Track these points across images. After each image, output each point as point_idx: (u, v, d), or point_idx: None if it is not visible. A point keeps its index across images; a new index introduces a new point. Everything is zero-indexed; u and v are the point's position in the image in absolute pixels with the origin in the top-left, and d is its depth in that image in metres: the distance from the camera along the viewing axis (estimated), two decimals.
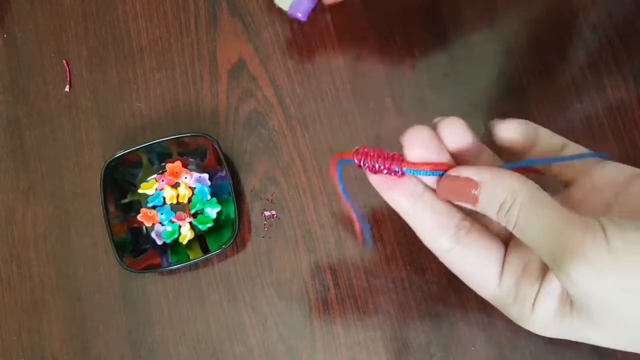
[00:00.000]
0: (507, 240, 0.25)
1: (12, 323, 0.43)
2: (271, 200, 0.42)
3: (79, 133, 0.45)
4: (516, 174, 0.22)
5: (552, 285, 0.23)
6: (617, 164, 0.24)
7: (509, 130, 0.25)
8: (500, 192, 0.22)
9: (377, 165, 0.24)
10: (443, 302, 0.39)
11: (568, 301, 0.22)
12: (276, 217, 0.42)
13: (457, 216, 0.25)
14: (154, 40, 0.45)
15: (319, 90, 0.43)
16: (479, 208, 0.23)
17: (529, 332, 0.39)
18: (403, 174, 0.24)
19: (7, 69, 0.47)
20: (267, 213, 0.42)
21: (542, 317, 0.23)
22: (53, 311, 0.43)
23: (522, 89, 0.41)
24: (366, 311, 0.40)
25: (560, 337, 0.23)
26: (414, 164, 0.24)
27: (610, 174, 0.24)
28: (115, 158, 0.41)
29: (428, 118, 0.25)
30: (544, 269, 0.23)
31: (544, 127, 0.41)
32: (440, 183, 0.24)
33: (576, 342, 0.37)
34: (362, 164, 0.24)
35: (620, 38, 0.40)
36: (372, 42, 0.43)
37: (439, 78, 0.42)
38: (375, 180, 0.25)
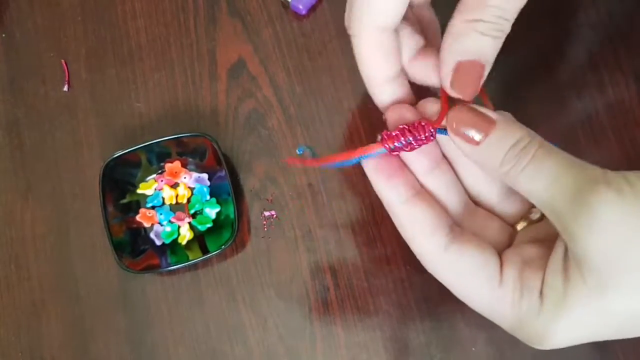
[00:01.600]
0: (497, 248, 0.25)
1: (11, 323, 0.43)
2: (271, 200, 0.42)
3: (78, 133, 0.45)
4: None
5: (557, 264, 0.21)
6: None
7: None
8: (518, 129, 0.22)
9: (409, 139, 0.23)
10: (443, 302, 0.39)
11: (576, 273, 0.20)
12: (276, 217, 0.42)
13: (449, 219, 0.24)
14: (153, 39, 0.45)
15: (319, 90, 0.43)
16: (481, 148, 0.22)
17: None
18: (434, 136, 0.23)
19: (5, 69, 0.46)
20: (266, 213, 0.42)
21: (553, 302, 0.21)
22: (52, 311, 0.43)
23: (522, 88, 0.41)
24: (366, 312, 0.40)
25: (572, 335, 0.21)
26: (441, 120, 0.23)
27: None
28: (114, 158, 0.41)
29: None
30: (545, 258, 0.22)
31: (544, 126, 0.41)
32: (453, 111, 0.23)
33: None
34: (393, 147, 0.23)
35: (621, 37, 0.40)
36: None
37: None
38: (373, 172, 0.24)
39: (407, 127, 0.23)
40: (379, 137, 0.23)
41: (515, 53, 0.41)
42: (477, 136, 0.22)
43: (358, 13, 0.23)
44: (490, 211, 0.26)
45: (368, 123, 0.42)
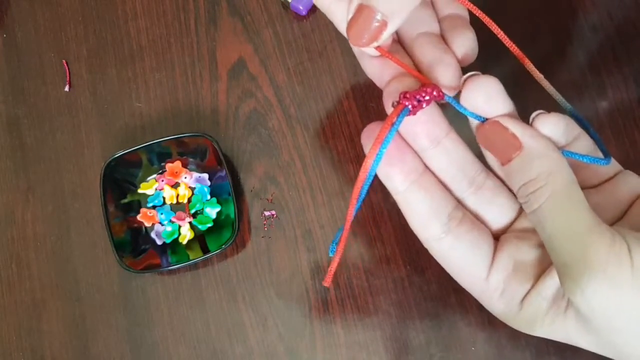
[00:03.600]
0: (497, 233, 0.25)
1: (12, 323, 0.43)
2: (271, 200, 0.42)
3: (79, 133, 0.45)
4: (560, 154, 0.21)
5: (547, 287, 0.22)
6: (634, 174, 0.24)
7: (552, 126, 0.23)
8: (535, 168, 0.20)
9: (424, 96, 0.22)
10: (443, 302, 0.39)
11: (563, 305, 0.21)
12: (276, 217, 0.42)
13: (451, 204, 0.23)
14: (154, 40, 0.45)
15: (319, 90, 0.43)
16: (506, 170, 0.22)
17: None
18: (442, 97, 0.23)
19: (6, 69, 0.46)
20: (266, 213, 0.42)
21: (531, 316, 0.22)
22: (53, 311, 0.43)
23: (522, 89, 0.41)
24: (366, 311, 0.40)
25: (544, 337, 0.22)
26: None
27: (631, 184, 0.23)
28: (115, 158, 0.41)
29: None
30: (538, 270, 0.22)
31: None
32: (484, 126, 0.22)
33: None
34: (417, 101, 0.22)
35: (621, 39, 0.40)
36: None
37: None
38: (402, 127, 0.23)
39: (409, 94, 0.23)
40: (394, 103, 0.23)
41: (514, 55, 0.41)
42: (506, 157, 0.21)
43: None
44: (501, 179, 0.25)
45: (368, 123, 0.42)
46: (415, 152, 0.24)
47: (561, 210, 0.20)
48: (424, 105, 0.22)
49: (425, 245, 0.24)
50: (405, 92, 0.22)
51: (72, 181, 0.44)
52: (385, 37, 0.23)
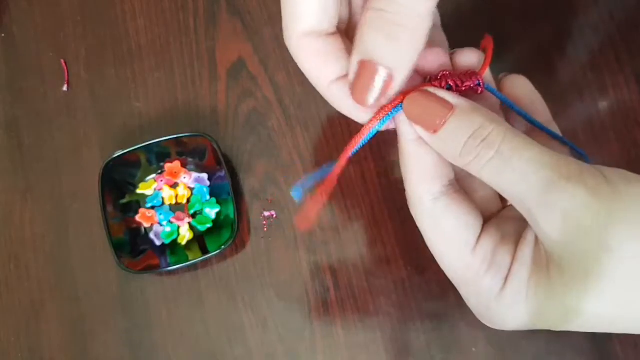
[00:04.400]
0: (490, 208, 0.24)
1: (10, 324, 0.43)
2: (270, 200, 0.42)
3: (78, 133, 0.45)
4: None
5: (524, 251, 0.21)
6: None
7: (519, 86, 0.23)
8: (477, 117, 0.20)
9: (457, 84, 0.22)
10: (444, 302, 0.39)
11: (543, 268, 0.20)
12: (276, 217, 0.42)
13: (452, 172, 0.23)
14: (153, 39, 0.45)
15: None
16: (440, 137, 0.21)
17: (530, 333, 0.39)
18: (483, 89, 0.22)
19: (5, 69, 0.46)
20: (266, 213, 0.42)
21: (514, 290, 0.21)
22: (51, 312, 0.43)
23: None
24: (366, 312, 0.40)
25: (529, 324, 0.21)
26: (484, 67, 0.22)
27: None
28: (114, 158, 0.41)
29: None
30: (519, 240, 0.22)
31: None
32: (411, 95, 0.21)
33: (578, 343, 0.37)
34: (453, 84, 0.22)
35: (622, 38, 0.40)
36: None
37: None
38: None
39: (449, 73, 0.22)
40: (429, 78, 0.22)
41: (516, 53, 0.41)
42: (434, 123, 0.20)
43: (285, 20, 0.22)
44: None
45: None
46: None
47: (524, 148, 0.19)
48: (461, 89, 0.22)
49: (416, 206, 0.23)
50: (446, 71, 0.22)
51: (71, 181, 0.44)
52: (394, 92, 0.20)
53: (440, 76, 0.22)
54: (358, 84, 0.20)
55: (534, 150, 0.19)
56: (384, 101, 0.21)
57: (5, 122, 0.46)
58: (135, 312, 0.42)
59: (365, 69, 0.20)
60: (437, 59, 0.23)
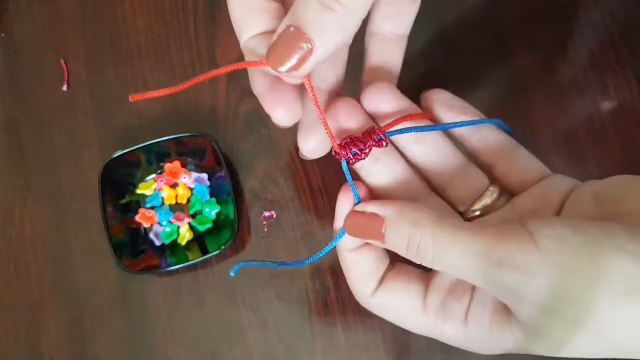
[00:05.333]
0: None
1: (10, 324, 0.43)
2: (270, 200, 0.42)
3: (77, 133, 0.45)
4: (420, 206, 0.22)
5: (485, 296, 0.22)
6: (562, 176, 0.24)
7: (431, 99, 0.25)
8: (404, 227, 0.21)
9: (361, 148, 0.23)
10: None
11: (505, 312, 0.21)
12: (276, 217, 0.42)
13: (386, 260, 0.25)
14: (153, 39, 0.45)
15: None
16: (387, 246, 0.22)
17: None
18: (387, 141, 0.23)
19: (4, 68, 0.46)
20: (266, 213, 0.42)
21: (479, 330, 0.22)
22: (51, 312, 0.43)
23: (523, 89, 0.41)
24: (367, 313, 0.39)
25: (505, 352, 0.22)
26: (391, 124, 0.23)
27: (561, 184, 0.24)
28: (114, 158, 0.41)
29: None
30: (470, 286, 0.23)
31: (545, 128, 0.40)
32: (347, 220, 0.23)
33: None
34: (350, 155, 0.23)
35: (622, 37, 0.40)
36: None
37: (439, 78, 0.41)
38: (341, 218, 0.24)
39: (353, 137, 0.23)
40: (332, 152, 0.24)
41: (516, 54, 0.41)
42: (378, 237, 0.22)
43: None
44: (442, 195, 0.26)
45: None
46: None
47: (449, 240, 0.20)
48: (365, 152, 0.23)
49: (362, 301, 0.25)
50: (348, 138, 0.23)
51: (71, 181, 0.44)
52: (309, 66, 0.21)
53: (344, 143, 0.23)
54: (277, 46, 0.21)
55: (461, 244, 0.20)
56: (295, 73, 0.21)
57: (5, 122, 0.46)
58: (135, 312, 0.42)
59: (289, 34, 0.20)
60: (349, 115, 0.25)
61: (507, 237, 0.19)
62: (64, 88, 0.45)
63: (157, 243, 0.43)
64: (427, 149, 0.25)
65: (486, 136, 0.25)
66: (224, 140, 0.43)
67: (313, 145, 0.24)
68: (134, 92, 0.44)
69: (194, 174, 0.43)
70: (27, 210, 0.44)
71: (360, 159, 0.23)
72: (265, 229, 0.42)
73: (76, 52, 0.46)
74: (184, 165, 0.43)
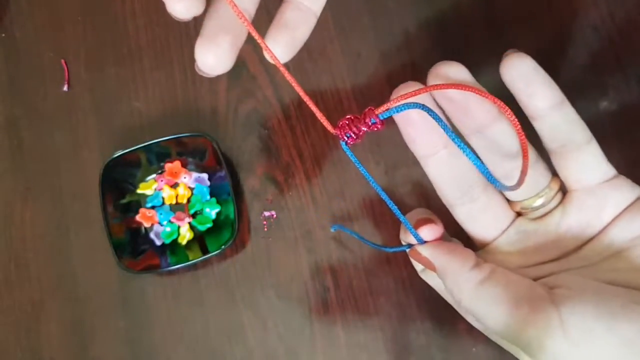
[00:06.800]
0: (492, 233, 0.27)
1: (10, 324, 0.43)
2: (271, 200, 0.42)
3: (78, 133, 0.45)
4: (468, 257, 0.24)
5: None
6: (625, 181, 0.24)
7: (514, 67, 0.24)
8: (449, 283, 0.24)
9: (355, 130, 0.23)
10: (444, 303, 0.39)
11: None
12: (276, 217, 0.42)
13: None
14: (153, 39, 0.45)
15: (319, 89, 0.43)
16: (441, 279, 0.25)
17: None
18: (382, 123, 0.23)
19: (5, 68, 0.46)
20: (266, 213, 0.42)
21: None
22: (51, 312, 0.43)
23: None
24: (367, 312, 0.40)
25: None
26: (384, 106, 0.23)
27: (616, 193, 0.24)
28: (114, 158, 0.41)
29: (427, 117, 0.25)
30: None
31: None
32: (410, 252, 0.26)
33: None
34: (346, 137, 0.23)
35: (622, 38, 0.40)
36: (373, 42, 0.43)
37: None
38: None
39: (353, 117, 0.24)
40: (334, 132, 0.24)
41: None
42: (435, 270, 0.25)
43: None
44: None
45: None
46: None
47: (484, 307, 0.22)
48: (360, 134, 0.23)
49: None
50: (346, 120, 0.23)
51: (71, 181, 0.44)
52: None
53: (340, 126, 0.23)
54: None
55: (495, 315, 0.21)
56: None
57: (5, 122, 0.46)
58: (135, 312, 0.42)
59: None
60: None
61: (537, 322, 0.20)
62: (64, 88, 0.45)
63: (158, 243, 0.43)
64: (488, 142, 0.25)
65: (558, 123, 0.24)
66: (224, 140, 0.43)
67: (212, 59, 0.21)
68: (134, 92, 0.44)
69: (195, 174, 0.43)
70: (28, 210, 0.44)
71: (355, 141, 0.23)
72: (265, 229, 0.42)
73: (76, 52, 0.46)
74: (184, 165, 0.43)
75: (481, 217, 0.26)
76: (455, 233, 0.28)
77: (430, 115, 0.22)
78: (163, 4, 0.49)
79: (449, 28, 0.42)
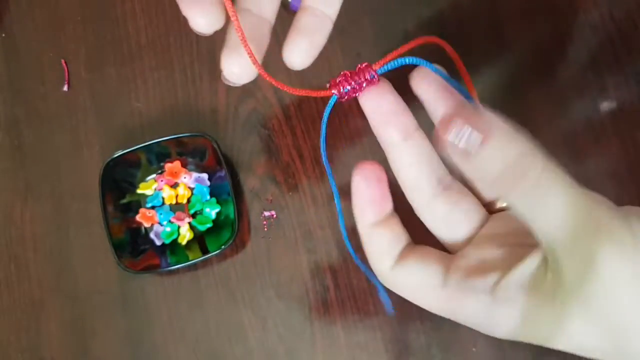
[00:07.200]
0: (458, 244, 0.25)
1: (11, 323, 0.43)
2: (270, 200, 0.42)
3: (78, 133, 0.45)
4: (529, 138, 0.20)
5: (521, 273, 0.21)
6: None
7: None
8: (513, 150, 0.19)
9: (353, 84, 0.23)
10: None
11: (547, 288, 0.20)
12: (276, 217, 0.42)
13: (406, 238, 0.25)
14: (153, 39, 0.45)
15: (319, 89, 0.43)
16: (477, 162, 0.19)
17: None
18: (379, 77, 0.23)
19: (5, 69, 0.46)
20: (266, 213, 0.42)
21: (507, 306, 0.21)
22: (52, 312, 0.43)
23: (523, 89, 0.41)
24: (366, 312, 0.40)
25: (526, 334, 0.22)
26: (381, 60, 0.23)
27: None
28: (114, 158, 0.41)
29: (427, 117, 0.25)
30: (500, 263, 0.22)
31: (545, 127, 0.41)
32: (447, 111, 0.22)
33: None
34: (342, 92, 0.24)
35: (622, 38, 0.40)
36: (373, 42, 0.43)
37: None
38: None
39: (350, 72, 0.24)
40: (327, 86, 0.24)
41: (516, 54, 0.41)
42: (470, 145, 0.19)
43: None
44: (466, 185, 0.26)
45: (368, 123, 0.42)
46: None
47: (559, 185, 0.19)
48: (357, 88, 0.23)
49: (382, 277, 0.24)
50: (345, 73, 0.23)
51: (71, 181, 0.44)
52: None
53: (339, 80, 0.23)
54: None
55: (570, 190, 0.19)
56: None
57: (6, 122, 0.46)
58: (136, 312, 0.42)
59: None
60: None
61: (609, 209, 0.19)
62: (65, 88, 0.45)
63: (158, 243, 0.43)
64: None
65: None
66: (224, 140, 0.43)
67: (237, 69, 0.23)
68: (134, 92, 0.44)
69: (194, 174, 0.43)
70: (28, 210, 0.44)
71: (352, 97, 0.24)
72: (265, 229, 0.42)
73: (76, 52, 0.46)
74: (184, 165, 0.43)
75: (462, 202, 0.25)
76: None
77: (428, 67, 0.23)
78: (163, 4, 0.50)
79: (449, 28, 0.42)
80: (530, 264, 0.21)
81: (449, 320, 0.40)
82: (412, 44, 0.23)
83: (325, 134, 0.24)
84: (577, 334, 0.20)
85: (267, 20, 0.24)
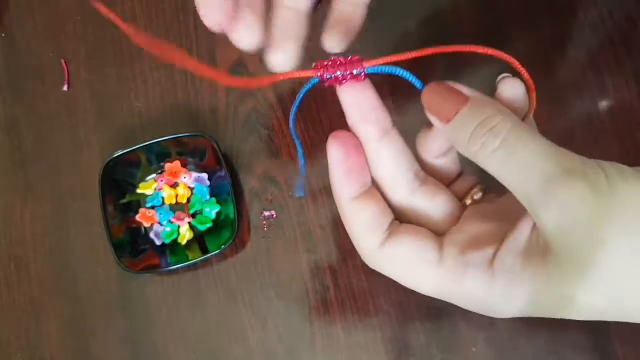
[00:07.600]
0: (440, 233, 0.24)
1: (11, 323, 0.43)
2: (270, 200, 0.42)
3: (78, 133, 0.45)
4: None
5: (515, 241, 0.21)
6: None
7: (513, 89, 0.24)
8: (489, 108, 0.21)
9: (339, 73, 0.23)
10: (444, 303, 0.39)
11: (540, 256, 0.20)
12: (276, 217, 0.42)
13: (391, 214, 0.24)
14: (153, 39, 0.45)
15: (319, 90, 0.43)
16: (449, 127, 0.22)
17: (530, 332, 0.39)
18: (366, 75, 0.23)
19: (5, 69, 0.46)
20: (266, 213, 0.42)
21: (506, 279, 0.21)
22: (52, 312, 0.43)
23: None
24: (367, 312, 0.40)
25: (526, 311, 0.21)
26: (374, 60, 0.23)
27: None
28: (114, 158, 0.41)
29: (396, 116, 0.25)
30: (493, 237, 0.22)
31: (544, 127, 0.40)
32: (429, 87, 0.24)
33: (579, 343, 0.37)
34: (325, 77, 0.23)
35: (622, 37, 0.40)
36: (373, 42, 0.43)
37: (439, 79, 0.41)
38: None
39: (341, 60, 0.24)
40: (313, 65, 0.24)
41: (515, 53, 0.41)
42: (449, 114, 0.22)
43: None
44: (441, 180, 0.26)
45: None
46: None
47: (529, 139, 0.20)
48: (346, 78, 0.24)
49: (369, 257, 0.23)
50: (323, 62, 0.24)
51: (71, 181, 0.44)
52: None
53: (327, 65, 0.24)
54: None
55: (538, 142, 0.20)
56: None
57: (6, 122, 0.46)
58: (136, 312, 0.42)
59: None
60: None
61: (580, 157, 0.19)
62: (65, 88, 0.45)
63: (158, 243, 0.43)
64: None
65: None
66: (224, 140, 0.43)
67: (281, 59, 0.26)
68: (134, 93, 0.44)
69: (194, 174, 0.43)
70: (28, 210, 0.44)
71: (333, 85, 0.24)
72: (265, 229, 0.42)
73: (76, 52, 0.46)
74: (184, 165, 0.43)
75: (439, 195, 0.25)
76: None
77: (417, 85, 0.24)
78: (163, 5, 0.50)
79: (448, 28, 0.42)
80: (523, 231, 0.21)
81: (449, 320, 0.40)
82: (469, 49, 0.23)
83: (296, 110, 0.25)
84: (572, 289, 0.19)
85: (302, 12, 0.26)
